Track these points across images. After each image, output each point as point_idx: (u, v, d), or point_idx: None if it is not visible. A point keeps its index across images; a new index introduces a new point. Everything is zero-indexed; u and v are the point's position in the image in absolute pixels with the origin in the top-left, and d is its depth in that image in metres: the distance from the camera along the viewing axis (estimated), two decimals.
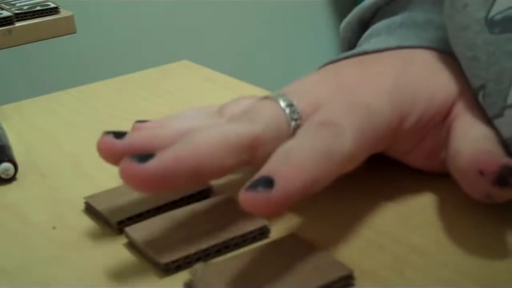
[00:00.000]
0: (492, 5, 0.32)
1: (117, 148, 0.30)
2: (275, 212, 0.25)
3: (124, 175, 0.28)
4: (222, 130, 0.30)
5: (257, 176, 0.26)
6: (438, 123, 0.34)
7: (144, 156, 0.28)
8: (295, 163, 0.27)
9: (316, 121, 0.30)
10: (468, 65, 0.33)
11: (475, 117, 0.33)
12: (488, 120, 0.32)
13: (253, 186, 0.25)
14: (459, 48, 0.34)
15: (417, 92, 0.33)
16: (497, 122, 0.32)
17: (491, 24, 0.32)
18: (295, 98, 0.32)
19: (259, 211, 0.25)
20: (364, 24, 0.43)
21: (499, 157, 0.29)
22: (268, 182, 0.25)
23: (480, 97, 0.33)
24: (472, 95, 0.34)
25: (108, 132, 0.31)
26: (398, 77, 0.33)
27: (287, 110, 0.31)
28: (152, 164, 0.27)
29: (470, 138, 0.31)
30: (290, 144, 0.28)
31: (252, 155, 0.30)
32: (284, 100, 0.32)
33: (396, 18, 0.39)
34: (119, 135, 0.31)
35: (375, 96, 0.32)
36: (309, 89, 0.33)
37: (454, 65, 0.35)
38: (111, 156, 0.31)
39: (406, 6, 0.40)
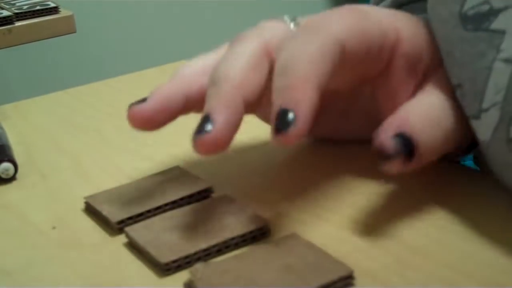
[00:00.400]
0: None
1: (147, 111, 0.33)
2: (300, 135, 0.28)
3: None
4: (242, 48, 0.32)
5: (274, 114, 0.28)
6: (424, 74, 0.34)
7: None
8: (297, 78, 0.28)
9: (298, 29, 0.32)
10: (446, 61, 0.33)
11: (448, 89, 0.32)
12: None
13: (281, 127, 0.27)
14: (439, 42, 0.33)
15: (418, 27, 0.34)
16: (474, 123, 0.31)
17: (464, 19, 0.31)
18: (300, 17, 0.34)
19: (290, 143, 0.28)
20: None
21: (388, 135, 0.29)
22: (289, 122, 0.27)
23: (458, 94, 0.32)
24: None
25: (133, 103, 0.33)
26: (403, 13, 0.34)
27: (291, 24, 0.34)
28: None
29: (419, 100, 0.32)
30: (283, 57, 0.30)
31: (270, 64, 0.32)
32: (288, 17, 0.34)
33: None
34: (142, 100, 0.33)
35: (370, 13, 0.33)
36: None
37: None
38: (144, 122, 0.33)
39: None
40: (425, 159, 0.30)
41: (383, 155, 0.29)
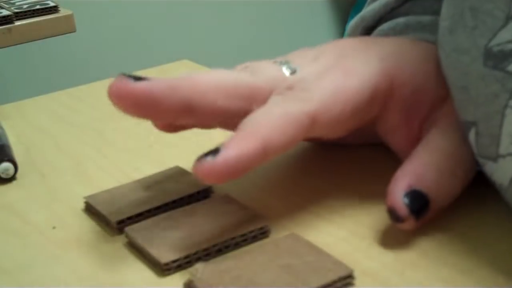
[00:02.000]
0: (495, 33, 0.28)
1: (132, 90, 0.29)
2: (221, 177, 0.27)
3: (112, 89, 0.29)
4: (221, 73, 0.31)
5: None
6: (428, 110, 0.33)
7: (138, 77, 0.29)
8: (247, 131, 0.28)
9: (283, 87, 0.31)
10: (459, 96, 0.31)
11: (456, 127, 0.32)
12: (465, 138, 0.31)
13: (203, 156, 0.28)
14: (451, 72, 0.31)
15: (415, 67, 0.33)
16: (490, 165, 0.29)
17: (487, 54, 0.28)
18: (298, 64, 0.33)
19: (206, 177, 0.27)
20: (367, 31, 0.43)
21: (400, 195, 0.29)
22: (215, 151, 0.28)
23: (471, 134, 0.30)
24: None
25: (124, 74, 0.30)
26: (397, 50, 0.34)
27: (287, 73, 0.32)
28: (143, 83, 0.29)
29: (429, 150, 0.31)
30: (254, 112, 0.30)
31: (249, 105, 0.31)
32: (288, 68, 0.32)
33: (400, 20, 0.39)
34: (137, 78, 0.29)
35: (362, 59, 0.32)
36: (310, 56, 0.34)
37: None
38: (124, 98, 0.29)
39: (408, 11, 0.40)
40: (440, 209, 0.30)
41: (394, 216, 0.29)
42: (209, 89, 0.30)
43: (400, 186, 0.29)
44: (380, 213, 0.32)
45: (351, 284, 0.27)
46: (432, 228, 0.30)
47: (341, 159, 0.38)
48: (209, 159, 0.27)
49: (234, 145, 0.28)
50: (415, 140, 0.33)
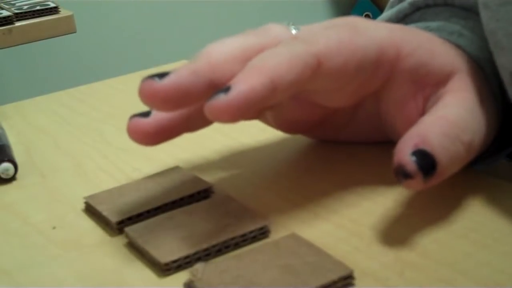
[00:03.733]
0: None
1: (161, 88, 0.29)
2: (234, 114, 0.27)
3: (142, 94, 0.30)
4: (230, 42, 0.32)
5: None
6: (432, 87, 0.34)
7: (162, 74, 0.29)
8: (255, 67, 0.29)
9: (289, 38, 0.32)
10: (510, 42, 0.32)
11: (461, 100, 0.32)
12: (471, 109, 0.32)
13: (214, 95, 0.28)
14: (502, 24, 0.32)
15: (421, 41, 0.34)
16: None
17: None
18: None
19: (219, 116, 0.28)
20: None
21: (408, 152, 0.29)
22: (226, 89, 0.28)
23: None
24: (471, 83, 0.33)
25: (149, 77, 0.30)
26: (405, 28, 0.34)
27: (294, 31, 0.33)
28: (168, 79, 0.29)
29: (434, 117, 0.31)
30: (257, 57, 0.30)
31: None
32: (295, 28, 0.33)
33: (410, 25, 0.39)
34: (161, 75, 0.30)
35: (371, 26, 0.33)
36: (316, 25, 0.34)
37: (468, 57, 0.35)
38: (156, 98, 0.30)
39: (420, 19, 0.40)
40: (446, 174, 0.30)
41: (402, 173, 0.29)
42: (225, 63, 0.30)
43: (408, 145, 0.29)
44: (380, 213, 0.32)
45: (351, 284, 0.27)
46: (432, 228, 0.30)
47: (341, 159, 0.38)
48: (222, 96, 0.27)
49: (244, 81, 0.28)
50: (419, 117, 0.33)
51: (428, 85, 0.34)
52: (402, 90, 0.34)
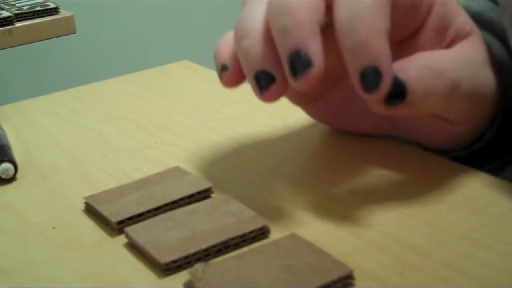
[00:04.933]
0: None
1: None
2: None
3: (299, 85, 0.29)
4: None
5: (357, 75, 0.29)
6: (449, 41, 0.34)
7: (302, 65, 0.29)
8: (367, 33, 0.28)
9: None
10: None
11: (461, 51, 0.33)
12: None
13: (370, 86, 0.28)
14: None
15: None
16: None
17: None
18: None
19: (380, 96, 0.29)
20: None
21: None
22: (376, 79, 0.28)
23: None
24: (482, 46, 0.35)
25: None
26: None
27: None
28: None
29: (426, 52, 0.32)
30: (345, 14, 0.29)
31: None
32: None
33: None
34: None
35: None
36: None
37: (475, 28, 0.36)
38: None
39: None
40: (420, 105, 0.30)
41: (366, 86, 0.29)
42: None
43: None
44: (380, 213, 0.32)
45: (351, 284, 0.27)
46: (432, 228, 0.30)
47: (341, 159, 0.38)
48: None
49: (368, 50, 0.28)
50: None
51: (446, 39, 0.34)
52: (429, 35, 0.34)
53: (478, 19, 0.40)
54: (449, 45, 0.34)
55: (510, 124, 0.38)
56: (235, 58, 0.32)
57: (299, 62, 0.29)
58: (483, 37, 0.36)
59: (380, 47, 0.28)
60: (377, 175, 0.35)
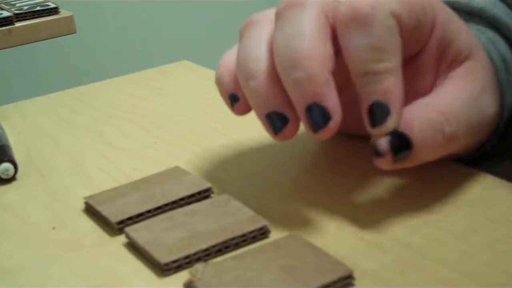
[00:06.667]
0: None
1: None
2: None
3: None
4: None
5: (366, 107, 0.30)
6: (448, 64, 0.34)
7: (322, 119, 0.30)
8: (380, 69, 0.29)
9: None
10: None
11: (460, 90, 0.33)
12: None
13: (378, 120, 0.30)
14: None
15: (451, 15, 0.34)
16: None
17: None
18: None
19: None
20: None
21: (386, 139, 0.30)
22: (384, 115, 0.30)
23: None
24: (479, 72, 0.34)
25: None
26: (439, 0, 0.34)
27: None
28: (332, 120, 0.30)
29: (426, 101, 0.32)
30: (355, 44, 0.30)
31: None
32: None
33: None
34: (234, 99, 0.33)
35: None
36: None
37: (482, 45, 0.35)
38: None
39: None
40: (420, 160, 0.31)
41: (374, 150, 0.30)
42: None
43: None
44: (380, 213, 0.32)
45: (351, 284, 0.27)
46: (432, 228, 0.30)
47: (341, 159, 0.38)
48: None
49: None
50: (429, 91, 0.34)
51: (445, 61, 0.34)
52: (431, 55, 0.34)
53: (481, 15, 0.40)
54: (449, 67, 0.34)
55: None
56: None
57: (317, 116, 0.29)
58: (485, 56, 0.35)
59: (391, 85, 0.29)
60: (377, 175, 0.35)
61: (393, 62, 0.29)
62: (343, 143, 0.40)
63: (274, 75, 0.30)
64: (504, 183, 0.34)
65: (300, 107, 0.30)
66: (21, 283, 0.29)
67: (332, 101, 0.29)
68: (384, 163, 0.30)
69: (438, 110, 0.31)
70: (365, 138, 0.40)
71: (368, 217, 0.32)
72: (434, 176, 0.35)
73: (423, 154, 0.31)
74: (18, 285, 0.29)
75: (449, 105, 0.32)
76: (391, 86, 0.29)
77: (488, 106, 0.34)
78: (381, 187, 0.34)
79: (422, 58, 0.34)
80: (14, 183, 0.39)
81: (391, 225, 0.31)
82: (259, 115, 0.31)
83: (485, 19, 0.40)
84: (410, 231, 0.30)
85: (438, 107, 0.31)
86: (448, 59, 0.34)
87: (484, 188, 0.33)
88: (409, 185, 0.34)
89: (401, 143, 0.30)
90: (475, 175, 0.35)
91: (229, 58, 0.33)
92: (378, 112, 0.29)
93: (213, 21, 1.85)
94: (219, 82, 0.34)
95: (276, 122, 0.31)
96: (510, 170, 0.40)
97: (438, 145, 0.31)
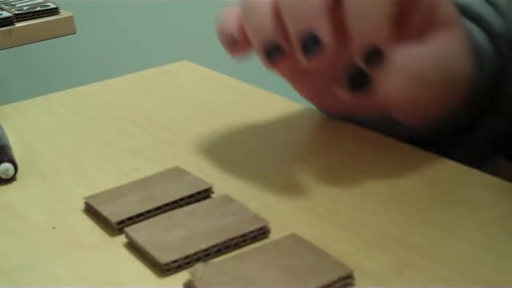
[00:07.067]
0: None
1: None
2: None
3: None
4: None
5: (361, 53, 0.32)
6: (433, 29, 0.35)
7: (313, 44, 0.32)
8: (374, 25, 0.32)
9: None
10: None
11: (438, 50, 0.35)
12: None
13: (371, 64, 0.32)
14: None
15: None
16: None
17: None
18: None
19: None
20: None
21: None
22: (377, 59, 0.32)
23: None
24: (460, 39, 0.36)
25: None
26: None
27: None
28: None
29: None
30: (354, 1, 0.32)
31: None
32: None
33: None
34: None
35: None
36: None
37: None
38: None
39: None
40: (388, 103, 0.34)
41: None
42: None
43: None
44: (380, 213, 0.32)
45: (351, 284, 0.27)
46: (432, 229, 0.30)
47: (341, 159, 0.38)
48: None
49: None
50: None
51: (431, 26, 0.35)
52: (419, 21, 0.35)
53: (463, 11, 0.41)
54: (434, 32, 0.35)
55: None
56: (243, 30, 0.35)
57: (310, 43, 0.31)
58: (464, 25, 0.37)
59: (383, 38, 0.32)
60: (377, 175, 0.35)
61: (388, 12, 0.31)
62: (343, 144, 0.40)
63: (274, 8, 0.33)
64: (504, 183, 0.34)
65: (294, 33, 0.32)
66: (21, 283, 0.29)
67: (326, 31, 0.32)
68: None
69: (413, 62, 0.33)
70: (366, 137, 0.40)
71: (368, 217, 0.32)
72: (434, 176, 0.35)
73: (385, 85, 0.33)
74: (18, 285, 0.29)
75: (424, 58, 0.34)
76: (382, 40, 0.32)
77: (462, 65, 0.36)
78: (381, 187, 0.34)
79: (412, 21, 0.35)
80: (14, 183, 0.39)
81: (391, 225, 0.31)
82: (255, 44, 0.34)
83: (468, 15, 0.41)
84: (410, 231, 0.30)
85: (414, 61, 0.33)
86: (433, 23, 0.35)
87: (484, 188, 0.33)
88: (409, 185, 0.34)
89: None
90: (476, 175, 0.35)
91: (232, 9, 0.37)
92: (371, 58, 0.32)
93: (213, 21, 1.85)
94: (221, 27, 0.37)
95: (271, 51, 0.33)
96: (510, 170, 0.40)
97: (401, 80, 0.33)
